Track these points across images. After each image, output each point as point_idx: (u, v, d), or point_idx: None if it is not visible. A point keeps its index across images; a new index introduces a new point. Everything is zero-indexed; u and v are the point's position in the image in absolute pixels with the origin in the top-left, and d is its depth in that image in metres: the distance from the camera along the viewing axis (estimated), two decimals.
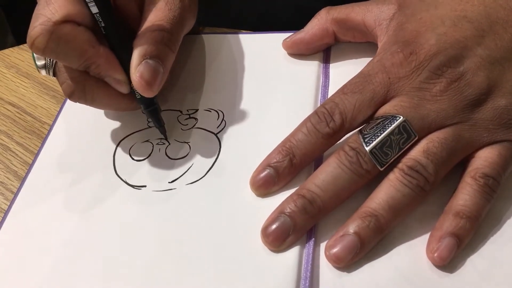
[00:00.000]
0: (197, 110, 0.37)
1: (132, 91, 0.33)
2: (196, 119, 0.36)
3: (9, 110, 0.40)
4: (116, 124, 0.37)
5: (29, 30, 0.29)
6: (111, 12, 0.31)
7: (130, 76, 0.32)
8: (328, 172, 0.29)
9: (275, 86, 0.37)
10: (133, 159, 0.35)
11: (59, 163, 0.35)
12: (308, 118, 0.31)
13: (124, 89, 0.33)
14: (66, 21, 0.29)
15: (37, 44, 0.29)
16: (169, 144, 0.35)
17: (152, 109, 0.34)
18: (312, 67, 0.38)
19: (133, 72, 0.31)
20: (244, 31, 0.42)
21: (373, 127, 0.30)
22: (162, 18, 0.33)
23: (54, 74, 0.34)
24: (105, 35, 0.32)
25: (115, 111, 0.37)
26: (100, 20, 0.31)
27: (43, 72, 0.34)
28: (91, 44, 0.31)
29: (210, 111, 0.37)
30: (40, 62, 0.34)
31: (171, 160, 0.34)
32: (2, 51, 0.45)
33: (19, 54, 0.45)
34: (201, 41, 0.42)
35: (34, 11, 0.30)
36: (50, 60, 0.33)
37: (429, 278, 0.28)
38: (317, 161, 0.32)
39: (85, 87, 0.32)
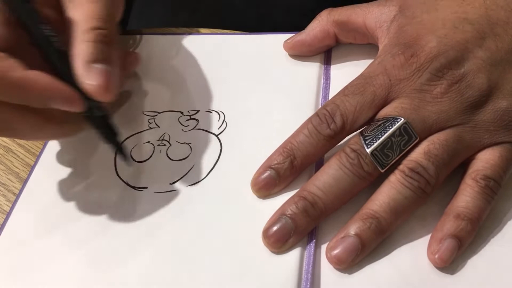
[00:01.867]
0: (198, 111, 0.37)
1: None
2: (197, 120, 0.36)
3: None
4: (117, 125, 0.37)
5: None
6: (37, 16, 0.29)
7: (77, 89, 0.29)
8: (329, 174, 0.29)
9: (276, 87, 0.37)
10: (134, 160, 0.35)
11: (60, 164, 0.35)
12: (309, 120, 0.31)
13: (77, 106, 0.29)
14: None
15: None
16: (170, 145, 0.35)
17: (100, 120, 0.31)
18: (313, 68, 0.38)
19: (83, 82, 0.29)
20: (245, 32, 0.42)
21: (374, 129, 0.30)
22: (89, 14, 0.30)
23: None
24: (39, 46, 0.29)
25: (45, 140, 0.33)
26: (30, 28, 0.29)
27: None
28: (13, 69, 0.27)
29: (211, 112, 0.37)
30: None
31: (172, 162, 0.34)
32: None
33: None
34: (202, 42, 0.42)
35: None
36: None
37: (430, 279, 0.28)
38: (318, 163, 0.33)
39: (5, 122, 0.28)
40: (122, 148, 0.33)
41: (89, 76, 0.29)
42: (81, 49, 0.29)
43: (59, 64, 0.30)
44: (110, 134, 0.32)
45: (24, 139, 0.33)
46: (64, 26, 0.31)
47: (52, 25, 0.30)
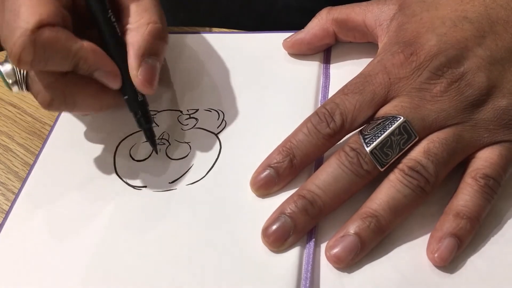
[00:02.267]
0: (197, 110, 0.37)
1: (123, 89, 0.33)
2: (196, 119, 0.36)
3: (10, 111, 0.40)
4: (116, 124, 0.37)
5: (10, 48, 0.28)
6: (105, 2, 0.32)
7: (122, 69, 0.32)
8: (329, 173, 0.29)
9: (275, 86, 0.37)
10: (133, 159, 0.35)
11: (59, 164, 0.35)
12: (309, 119, 0.31)
13: (116, 83, 0.32)
14: (41, 25, 0.28)
15: (24, 58, 0.28)
16: (170, 144, 0.35)
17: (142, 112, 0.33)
18: (312, 67, 0.38)
19: (134, 73, 0.31)
20: (244, 31, 0.42)
21: (374, 128, 0.30)
22: (146, 10, 0.32)
23: (27, 88, 0.32)
24: (100, 26, 0.32)
25: (98, 111, 0.35)
26: (96, 11, 0.31)
27: (15, 89, 0.32)
28: (74, 40, 0.30)
29: (211, 111, 0.37)
30: (11, 80, 0.32)
31: (171, 161, 0.34)
32: (2, 52, 0.45)
33: None
34: (201, 41, 0.42)
35: (5, 28, 0.29)
36: (21, 73, 0.32)
37: (429, 278, 0.28)
38: (318, 162, 0.33)
39: (64, 91, 0.31)
40: (152, 135, 0.34)
41: (139, 68, 0.31)
42: (137, 41, 0.31)
43: (115, 48, 0.32)
44: (144, 120, 0.33)
45: (83, 110, 0.34)
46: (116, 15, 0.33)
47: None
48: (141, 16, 0.32)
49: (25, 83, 0.32)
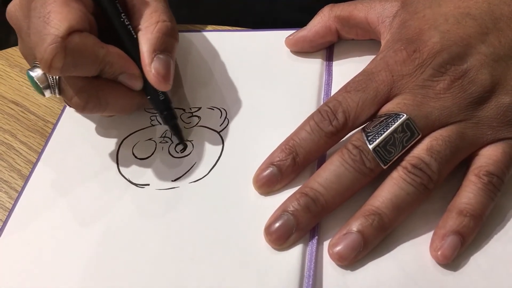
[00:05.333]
0: (200, 108, 0.37)
1: (145, 89, 0.34)
2: (199, 117, 0.36)
3: (12, 109, 0.40)
4: (119, 122, 0.37)
5: (40, 54, 0.29)
6: (118, 7, 0.32)
7: (141, 70, 0.32)
8: (331, 171, 0.29)
9: (278, 84, 0.37)
10: (136, 157, 0.35)
11: (62, 162, 0.35)
12: (311, 117, 0.31)
13: (138, 84, 0.33)
14: (71, 32, 0.29)
15: (55, 64, 0.29)
16: (172, 142, 0.35)
17: (167, 113, 0.34)
18: (315, 65, 0.38)
19: (147, 69, 0.32)
20: (246, 28, 0.42)
21: (377, 125, 0.30)
22: (157, 9, 0.33)
23: (60, 92, 0.33)
24: (116, 30, 0.32)
25: (128, 112, 0.36)
26: (111, 16, 0.32)
27: (48, 93, 0.32)
28: (100, 45, 0.31)
29: (213, 109, 0.37)
30: (43, 84, 0.32)
31: (174, 159, 0.34)
32: (5, 50, 0.45)
33: None
34: (203, 39, 0.42)
35: (33, 34, 0.29)
36: (53, 78, 0.32)
37: (432, 276, 0.28)
38: (320, 159, 0.32)
39: (98, 92, 0.32)
40: (179, 130, 0.35)
41: (153, 64, 0.32)
42: (147, 38, 0.32)
43: (131, 49, 0.32)
44: (169, 117, 0.34)
45: (115, 112, 0.35)
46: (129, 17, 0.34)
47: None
48: (150, 16, 0.33)
49: (58, 88, 0.32)
